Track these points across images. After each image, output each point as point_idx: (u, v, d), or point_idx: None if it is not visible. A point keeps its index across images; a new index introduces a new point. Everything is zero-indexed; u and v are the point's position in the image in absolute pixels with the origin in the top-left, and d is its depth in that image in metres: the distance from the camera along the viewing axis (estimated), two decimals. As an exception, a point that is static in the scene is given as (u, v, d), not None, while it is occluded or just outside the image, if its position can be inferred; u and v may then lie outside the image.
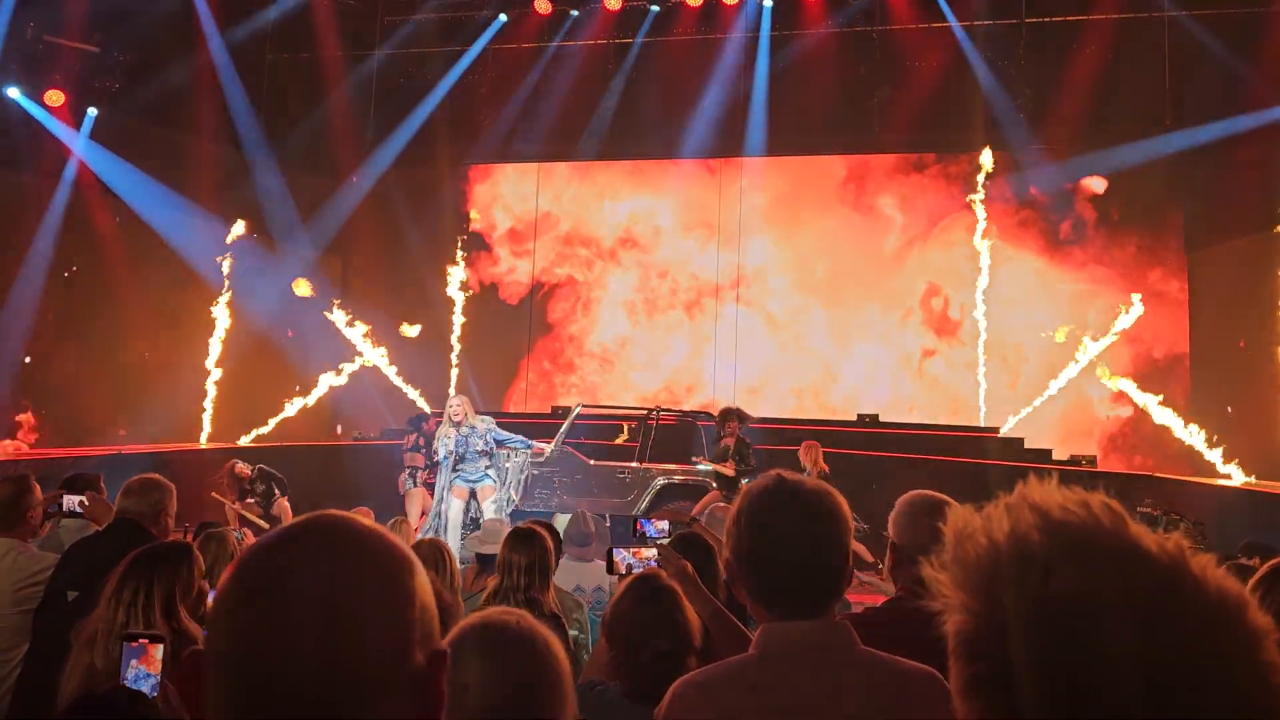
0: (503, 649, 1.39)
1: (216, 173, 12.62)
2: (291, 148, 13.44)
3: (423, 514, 9.72)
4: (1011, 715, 0.70)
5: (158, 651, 1.99)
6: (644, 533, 3.54)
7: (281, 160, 13.32)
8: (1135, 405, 11.64)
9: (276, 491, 9.30)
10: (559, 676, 1.41)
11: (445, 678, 0.85)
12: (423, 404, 12.98)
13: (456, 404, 9.28)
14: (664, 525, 3.56)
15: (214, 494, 8.62)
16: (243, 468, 9.04)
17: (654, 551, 3.00)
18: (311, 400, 13.15)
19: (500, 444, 9.42)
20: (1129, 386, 11.52)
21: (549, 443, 10.03)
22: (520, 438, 9.63)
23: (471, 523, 9.00)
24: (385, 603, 0.82)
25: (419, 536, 7.16)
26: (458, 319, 14.64)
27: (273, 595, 0.80)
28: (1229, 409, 11.24)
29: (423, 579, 0.85)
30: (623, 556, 3.08)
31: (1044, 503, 0.74)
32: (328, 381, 13.18)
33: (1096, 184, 12.80)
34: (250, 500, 9.02)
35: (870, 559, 8.62)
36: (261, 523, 8.26)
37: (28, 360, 10.94)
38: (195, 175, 12.26)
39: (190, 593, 2.62)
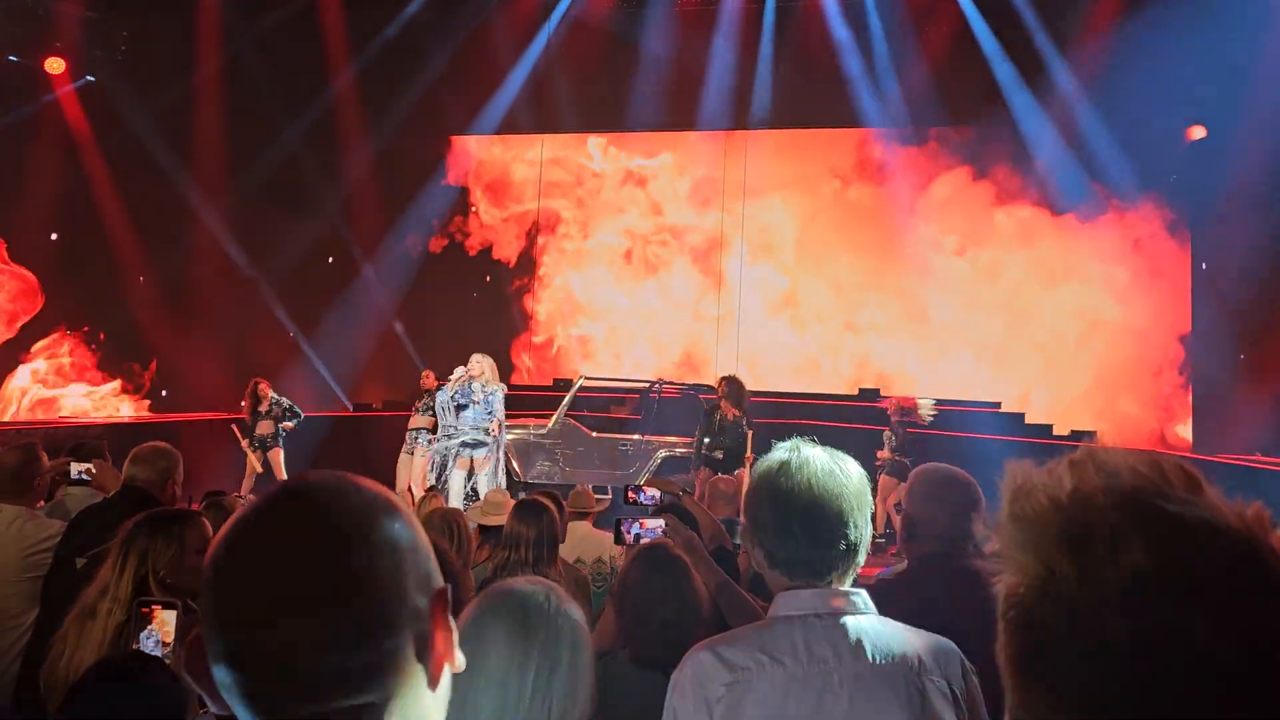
0: (528, 620, 1.40)
1: (218, 142, 12.53)
2: (294, 118, 13.34)
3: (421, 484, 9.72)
4: (1063, 696, 0.65)
5: (171, 617, 2.01)
6: (636, 499, 3.58)
7: (283, 130, 13.23)
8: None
9: (282, 429, 9.56)
10: (582, 653, 1.43)
11: (447, 615, 0.84)
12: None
13: (477, 359, 8.91)
14: (654, 493, 3.61)
15: (234, 426, 9.12)
16: (265, 386, 9.51)
17: (660, 522, 3.01)
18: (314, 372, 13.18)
19: (489, 407, 8.89)
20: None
21: (543, 424, 10.04)
22: (491, 431, 8.95)
23: (472, 492, 8.99)
24: (364, 550, 0.80)
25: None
26: (456, 295, 14.65)
27: (242, 553, 0.80)
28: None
29: (408, 523, 0.84)
30: (630, 527, 3.09)
31: (1112, 463, 0.68)
32: (338, 349, 13.26)
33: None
34: (267, 422, 9.38)
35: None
36: (259, 467, 8.74)
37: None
38: (197, 145, 12.18)
39: (162, 564, 2.49)
